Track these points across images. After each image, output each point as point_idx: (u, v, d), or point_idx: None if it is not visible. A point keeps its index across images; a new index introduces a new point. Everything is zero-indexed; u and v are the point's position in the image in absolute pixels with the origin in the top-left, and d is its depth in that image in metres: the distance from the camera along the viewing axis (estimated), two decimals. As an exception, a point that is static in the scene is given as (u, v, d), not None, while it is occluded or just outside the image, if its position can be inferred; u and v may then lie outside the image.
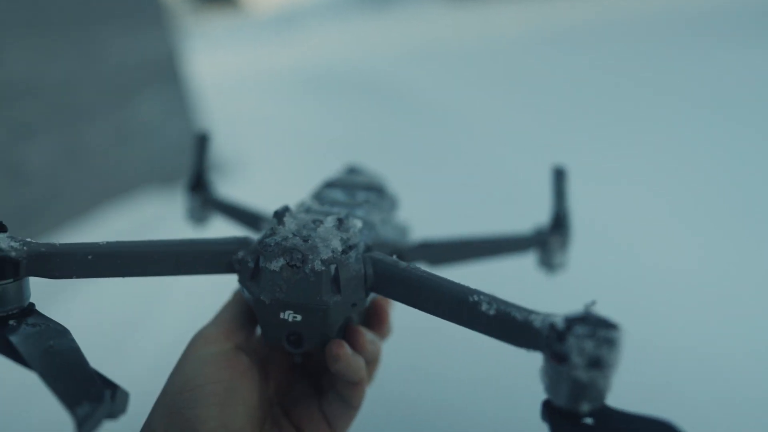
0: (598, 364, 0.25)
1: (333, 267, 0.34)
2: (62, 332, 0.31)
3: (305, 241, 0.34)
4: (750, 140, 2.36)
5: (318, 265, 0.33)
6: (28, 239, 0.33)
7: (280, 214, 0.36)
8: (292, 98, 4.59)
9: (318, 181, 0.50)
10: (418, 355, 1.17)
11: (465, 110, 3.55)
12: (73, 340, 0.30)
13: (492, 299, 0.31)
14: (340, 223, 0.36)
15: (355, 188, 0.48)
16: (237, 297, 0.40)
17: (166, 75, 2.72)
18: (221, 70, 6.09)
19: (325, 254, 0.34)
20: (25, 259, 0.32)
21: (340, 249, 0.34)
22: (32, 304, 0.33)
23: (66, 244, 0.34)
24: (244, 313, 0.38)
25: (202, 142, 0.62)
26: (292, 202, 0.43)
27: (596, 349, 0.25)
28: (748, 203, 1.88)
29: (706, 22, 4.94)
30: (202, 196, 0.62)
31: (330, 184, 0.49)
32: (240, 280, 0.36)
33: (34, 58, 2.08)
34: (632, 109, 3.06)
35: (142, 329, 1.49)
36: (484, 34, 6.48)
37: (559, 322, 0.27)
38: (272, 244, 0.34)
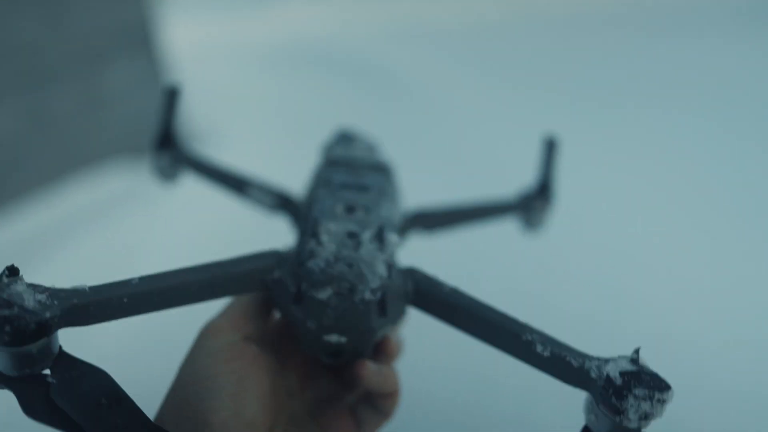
0: (649, 418, 0.28)
1: (380, 293, 0.34)
2: (102, 376, 0.29)
3: (350, 266, 0.34)
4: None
5: (368, 295, 0.34)
6: (51, 286, 0.29)
7: (317, 232, 0.35)
8: (269, 70, 4.47)
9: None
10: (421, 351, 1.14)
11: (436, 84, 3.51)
12: (116, 384, 0.29)
13: (545, 339, 0.32)
14: (380, 240, 0.35)
15: (362, 169, 0.46)
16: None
17: (139, 41, 2.58)
18: (194, 39, 5.90)
19: (374, 283, 0.34)
20: (58, 316, 0.28)
21: (386, 274, 0.34)
22: (60, 347, 0.30)
23: (96, 287, 0.31)
24: (254, 305, 0.38)
25: (171, 96, 0.59)
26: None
27: (652, 408, 0.28)
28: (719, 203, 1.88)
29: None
30: (172, 153, 0.57)
31: (333, 162, 0.46)
32: (278, 303, 0.36)
33: (-4, 15, 1.95)
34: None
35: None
36: (467, 14, 6.41)
37: (616, 377, 0.29)
38: (317, 272, 0.34)
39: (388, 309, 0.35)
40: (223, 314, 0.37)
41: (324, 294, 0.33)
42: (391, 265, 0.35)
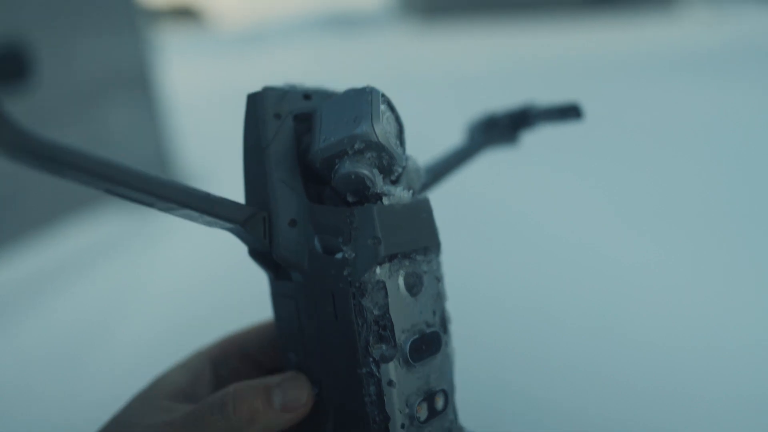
0: None
1: None
2: None
3: None
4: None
5: None
6: None
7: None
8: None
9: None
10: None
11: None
12: None
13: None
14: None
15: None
16: (220, 350, 0.34)
17: (137, 84, 2.58)
18: (193, 83, 5.93)
19: None
20: None
21: None
22: None
23: None
24: (225, 373, 0.34)
25: None
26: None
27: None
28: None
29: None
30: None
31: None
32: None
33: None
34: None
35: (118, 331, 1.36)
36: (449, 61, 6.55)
37: None
38: None
39: None
40: (184, 373, 0.33)
41: None
42: None
